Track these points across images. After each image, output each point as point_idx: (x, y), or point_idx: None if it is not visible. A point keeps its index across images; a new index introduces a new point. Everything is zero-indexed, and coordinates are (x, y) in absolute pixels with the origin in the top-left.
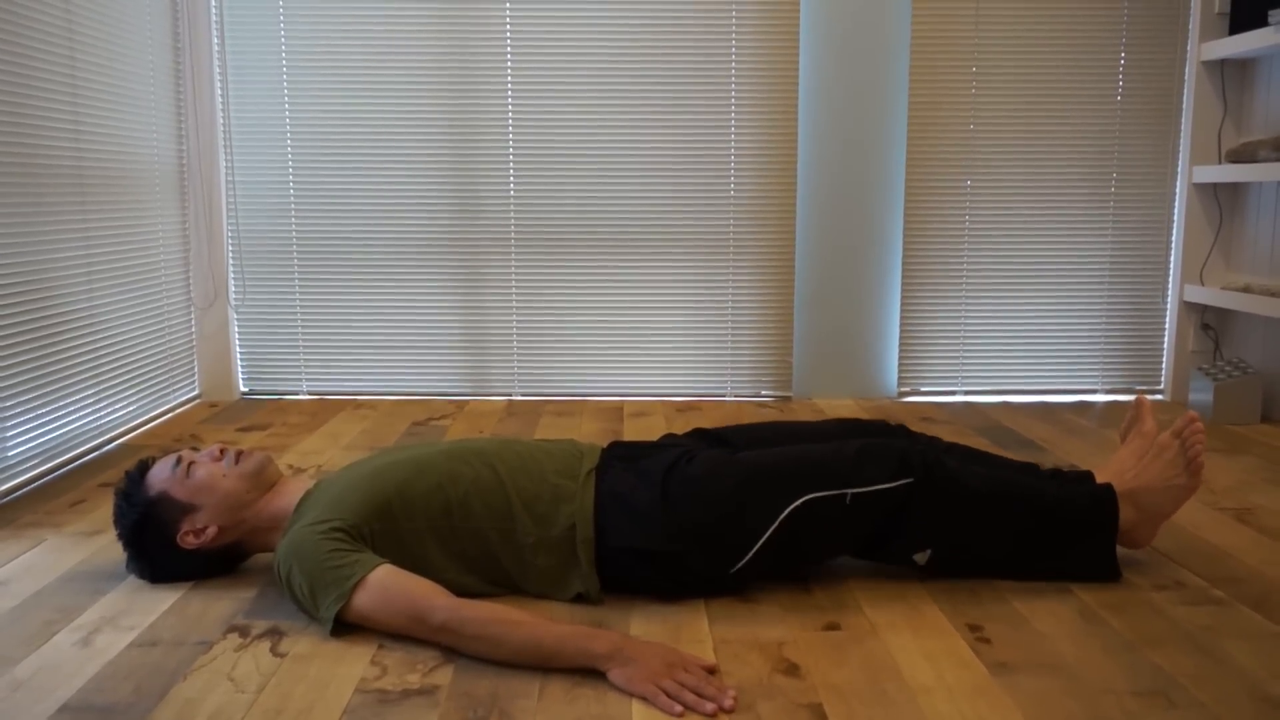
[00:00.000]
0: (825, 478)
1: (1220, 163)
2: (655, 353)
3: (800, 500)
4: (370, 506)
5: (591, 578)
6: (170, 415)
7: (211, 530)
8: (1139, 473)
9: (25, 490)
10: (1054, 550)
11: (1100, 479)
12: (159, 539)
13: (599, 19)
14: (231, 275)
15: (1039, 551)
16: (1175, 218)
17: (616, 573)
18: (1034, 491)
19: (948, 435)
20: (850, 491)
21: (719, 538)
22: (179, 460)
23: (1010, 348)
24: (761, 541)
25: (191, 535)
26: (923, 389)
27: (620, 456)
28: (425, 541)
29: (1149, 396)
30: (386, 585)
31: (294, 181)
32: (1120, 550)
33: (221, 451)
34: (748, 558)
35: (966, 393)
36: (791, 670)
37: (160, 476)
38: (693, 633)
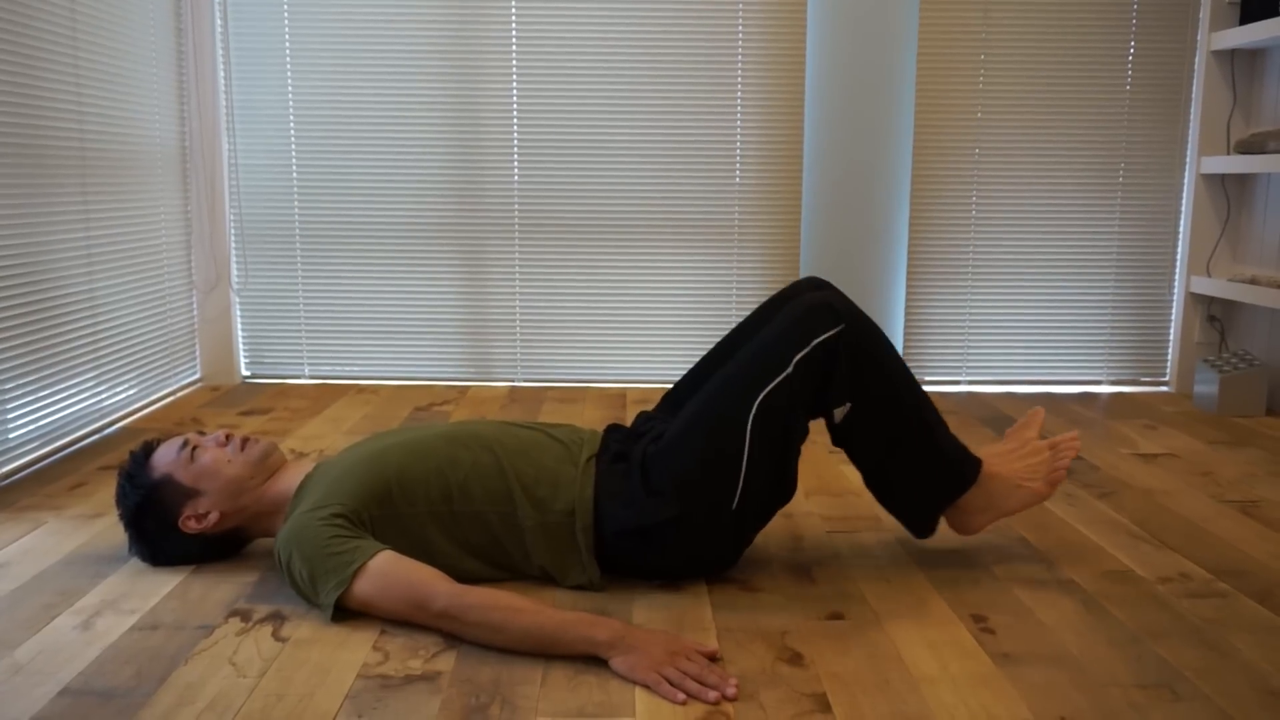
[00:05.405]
0: (766, 369)
1: (1229, 153)
2: (659, 340)
3: (757, 403)
4: (369, 491)
5: (591, 565)
6: (171, 399)
7: (213, 516)
8: (1004, 463)
9: (25, 473)
10: (909, 467)
11: None
12: (160, 522)
13: (605, 3)
14: (234, 258)
15: (904, 457)
16: (1183, 208)
17: (620, 559)
18: (927, 400)
19: (952, 425)
20: (794, 360)
21: (705, 480)
22: (185, 443)
23: (1015, 338)
24: (746, 461)
25: (193, 520)
26: (927, 378)
27: (617, 440)
28: (426, 526)
29: (1154, 388)
30: (387, 572)
31: (297, 165)
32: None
33: (227, 437)
34: (741, 484)
35: (971, 382)
36: (795, 659)
37: (165, 459)
38: (696, 621)
